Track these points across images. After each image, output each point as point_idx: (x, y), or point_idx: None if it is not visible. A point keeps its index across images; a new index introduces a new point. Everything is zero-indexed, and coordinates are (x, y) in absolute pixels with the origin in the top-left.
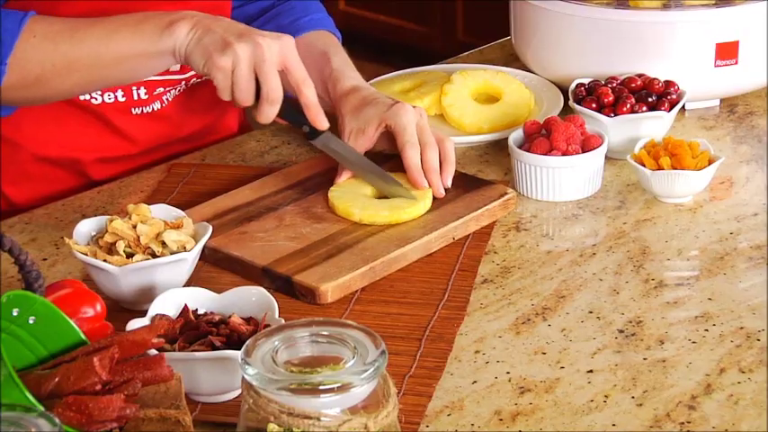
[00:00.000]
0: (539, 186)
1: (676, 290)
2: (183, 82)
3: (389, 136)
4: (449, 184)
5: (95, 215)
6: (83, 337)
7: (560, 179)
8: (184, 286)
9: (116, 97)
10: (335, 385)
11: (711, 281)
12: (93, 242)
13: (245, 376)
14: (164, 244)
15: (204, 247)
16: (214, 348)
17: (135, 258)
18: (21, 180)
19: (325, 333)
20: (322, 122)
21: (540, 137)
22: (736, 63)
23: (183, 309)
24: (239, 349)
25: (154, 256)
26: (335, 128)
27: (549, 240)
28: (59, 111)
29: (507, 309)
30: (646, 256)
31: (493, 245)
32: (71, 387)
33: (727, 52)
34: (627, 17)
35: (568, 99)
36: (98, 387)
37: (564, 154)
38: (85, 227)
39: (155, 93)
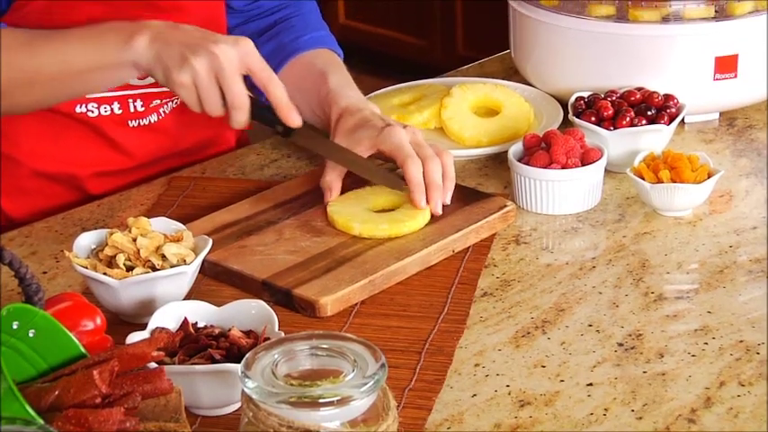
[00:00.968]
0: (538, 199)
1: (676, 303)
2: None
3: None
4: (448, 200)
5: (95, 228)
6: (83, 350)
7: (560, 192)
8: (184, 299)
9: (112, 110)
10: (335, 398)
11: (711, 294)
12: (93, 255)
13: (245, 389)
14: (164, 257)
15: (204, 261)
16: (214, 361)
17: (135, 271)
18: (18, 195)
19: (325, 346)
20: (294, 119)
21: (540, 150)
22: (736, 76)
23: (183, 322)
24: (239, 362)
25: (154, 269)
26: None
27: (549, 253)
28: (56, 125)
29: (507, 322)
30: (645, 270)
31: (492, 258)
32: (71, 400)
33: (726, 65)
34: (626, 30)
35: (568, 112)
36: (98, 400)
37: (563, 167)
38: (85, 240)
39: (151, 105)
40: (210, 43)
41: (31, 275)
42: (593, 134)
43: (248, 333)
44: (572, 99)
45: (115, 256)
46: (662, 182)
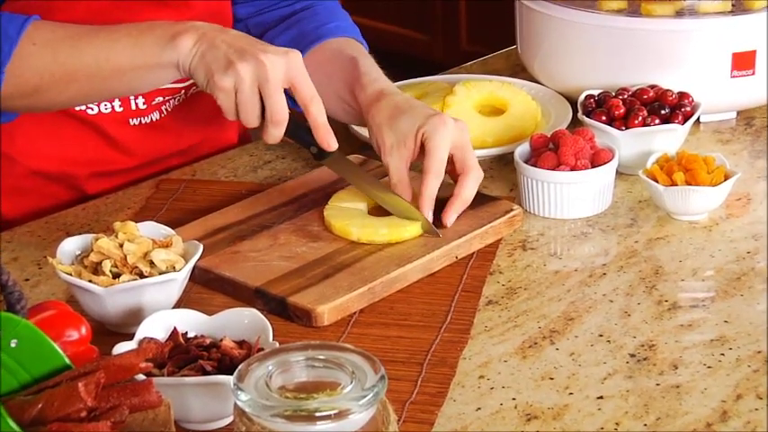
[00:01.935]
0: (546, 203)
1: (691, 312)
2: (183, 91)
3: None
4: (449, 221)
5: (80, 233)
6: (67, 361)
7: (569, 195)
8: (174, 308)
9: (113, 107)
10: (332, 412)
11: (728, 302)
12: (78, 261)
13: (238, 402)
14: (152, 264)
15: (194, 267)
16: (205, 373)
17: (122, 279)
18: (14, 194)
19: (322, 357)
20: (330, 143)
21: (548, 151)
22: (754, 73)
23: (173, 332)
24: (231, 374)
25: (141, 276)
26: (354, 144)
27: (557, 260)
28: (54, 123)
29: (513, 332)
30: (659, 277)
31: (498, 264)
32: (55, 413)
33: (743, 62)
34: (639, 25)
35: (577, 111)
36: (83, 414)
37: (572, 169)
38: (70, 245)
39: (153, 102)
40: (259, 51)
41: (13, 283)
42: (603, 134)
43: (241, 343)
44: (581, 97)
45: (101, 263)
46: (676, 184)
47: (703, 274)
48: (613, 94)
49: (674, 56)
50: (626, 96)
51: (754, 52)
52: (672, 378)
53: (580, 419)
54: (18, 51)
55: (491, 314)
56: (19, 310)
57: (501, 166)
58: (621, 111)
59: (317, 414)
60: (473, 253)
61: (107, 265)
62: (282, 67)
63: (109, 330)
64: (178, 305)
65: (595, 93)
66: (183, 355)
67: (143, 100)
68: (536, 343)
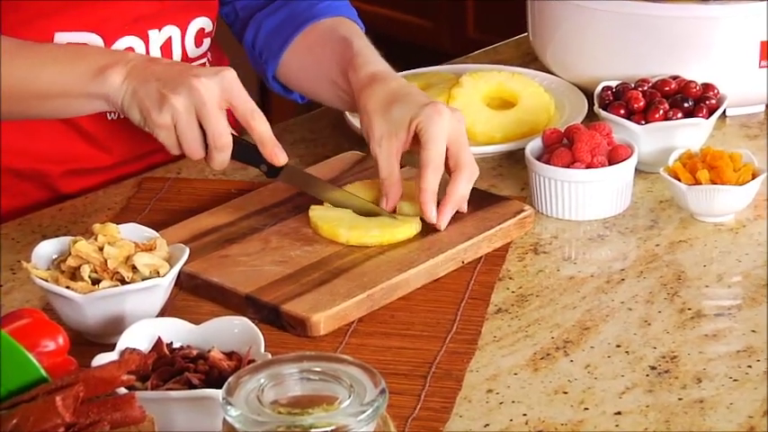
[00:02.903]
0: (560, 203)
1: (716, 321)
2: None
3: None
4: (443, 224)
5: (57, 236)
6: (43, 373)
7: (584, 195)
8: (157, 316)
9: None
10: (329, 428)
11: (755, 311)
12: (55, 266)
13: (227, 418)
14: (134, 269)
15: (180, 273)
16: (191, 387)
17: (101, 285)
18: None
19: (318, 369)
20: (279, 157)
21: (562, 147)
22: None
23: (157, 342)
24: (220, 388)
25: (123, 282)
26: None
27: (572, 264)
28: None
29: (524, 342)
30: (681, 283)
31: (507, 269)
32: (31, 429)
33: None
34: (660, 11)
35: (593, 104)
36: (61, 430)
37: (588, 166)
38: (45, 249)
39: None
40: (190, 77)
41: None
42: (622, 129)
43: (230, 355)
44: (598, 89)
45: (79, 268)
46: (700, 183)
47: (729, 280)
48: (632, 85)
49: (698, 44)
50: (646, 88)
51: None
52: (695, 392)
53: None
54: None
55: (500, 323)
56: None
57: (511, 164)
58: (641, 104)
59: (313, 430)
60: (481, 257)
61: (86, 271)
62: (216, 88)
63: (88, 340)
64: (162, 313)
65: (613, 84)
66: (167, 367)
67: None
68: (549, 354)
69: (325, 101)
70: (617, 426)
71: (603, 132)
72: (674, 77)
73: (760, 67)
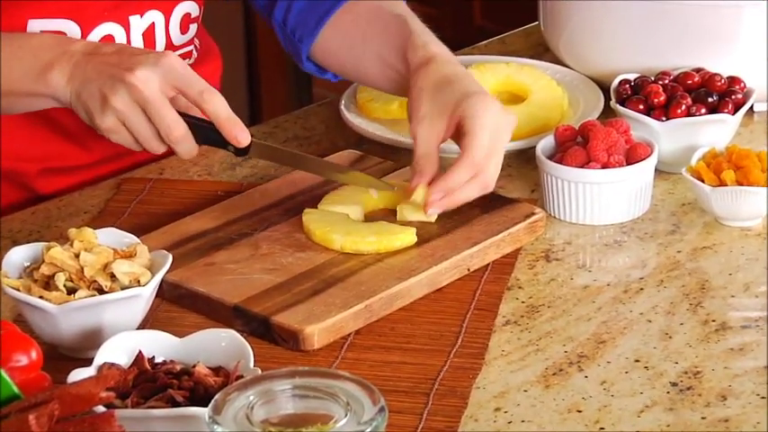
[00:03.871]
0: (573, 206)
1: (742, 333)
2: None
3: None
4: (432, 216)
5: (29, 241)
6: (15, 390)
7: (600, 197)
8: (138, 329)
9: None
10: None
11: None
12: (27, 275)
13: None
14: (113, 277)
15: (162, 282)
16: (175, 404)
17: (78, 295)
18: None
19: (311, 386)
20: (239, 138)
21: (576, 145)
22: None
23: (137, 356)
24: (206, 405)
25: (101, 291)
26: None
27: (587, 273)
28: None
29: (535, 357)
30: (705, 293)
31: (517, 278)
32: None
33: None
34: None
35: (610, 99)
36: None
37: (604, 166)
38: (17, 256)
39: None
40: (125, 72)
41: None
42: (640, 126)
43: (217, 370)
44: (615, 83)
45: (53, 276)
46: (725, 184)
47: (757, 290)
48: (652, 78)
49: (723, 34)
50: (667, 82)
51: None
52: (720, 410)
53: None
54: None
55: (509, 336)
56: None
57: (521, 163)
58: (662, 98)
59: None
60: (488, 265)
61: (61, 279)
62: (155, 78)
63: (63, 355)
64: (143, 325)
65: (631, 77)
66: (149, 383)
67: None
68: (561, 370)
69: (368, 79)
70: None
71: (621, 129)
72: (698, 70)
73: None
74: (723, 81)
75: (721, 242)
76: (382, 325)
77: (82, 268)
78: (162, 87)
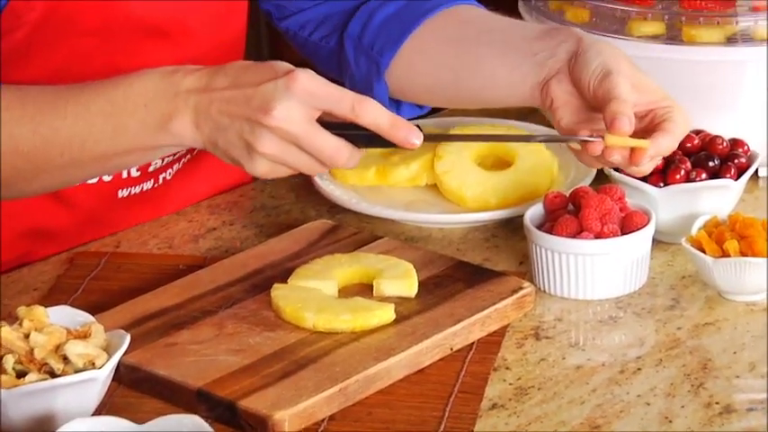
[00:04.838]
0: (564, 279)
1: (748, 417)
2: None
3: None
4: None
5: None
6: None
7: (593, 270)
8: (93, 415)
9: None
10: None
11: None
12: None
13: None
14: (66, 359)
15: (120, 364)
16: None
17: (28, 378)
18: None
19: None
20: (412, 138)
21: (567, 214)
22: None
23: None
24: None
25: (53, 375)
26: (321, 206)
27: (580, 352)
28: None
29: None
30: (707, 373)
31: (504, 358)
32: None
33: None
34: (680, 55)
35: None
36: None
37: (598, 236)
38: None
39: (149, 170)
40: (260, 115)
41: None
42: (636, 192)
43: None
44: None
45: (1, 359)
46: (728, 255)
47: (763, 370)
48: None
49: (724, 93)
50: None
51: None
52: None
53: None
54: None
55: (496, 421)
56: None
57: (507, 234)
58: (659, 163)
59: None
60: (472, 343)
61: (9, 362)
62: (296, 110)
63: None
64: (99, 411)
65: None
66: None
67: (136, 168)
68: None
69: (465, 93)
70: None
71: (615, 196)
72: (698, 132)
73: None
74: (725, 144)
75: (724, 318)
76: (358, 410)
77: (32, 350)
78: (306, 116)
